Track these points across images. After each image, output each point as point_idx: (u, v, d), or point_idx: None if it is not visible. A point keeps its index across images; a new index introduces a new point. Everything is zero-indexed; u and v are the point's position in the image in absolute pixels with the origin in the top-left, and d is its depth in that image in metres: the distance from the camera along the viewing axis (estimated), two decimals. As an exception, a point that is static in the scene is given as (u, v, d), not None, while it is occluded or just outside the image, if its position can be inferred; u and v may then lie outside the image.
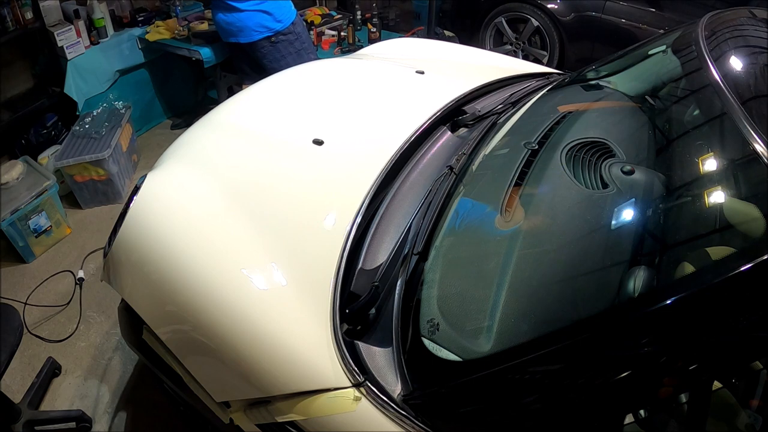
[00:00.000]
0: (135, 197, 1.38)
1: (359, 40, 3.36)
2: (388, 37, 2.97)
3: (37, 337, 2.16)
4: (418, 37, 3.50)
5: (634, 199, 1.14)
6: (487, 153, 1.46)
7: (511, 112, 1.67)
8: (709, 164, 1.04)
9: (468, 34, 4.08)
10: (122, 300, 1.43)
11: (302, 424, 1.04)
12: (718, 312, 0.74)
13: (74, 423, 1.83)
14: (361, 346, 1.09)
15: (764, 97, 1.09)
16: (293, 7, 2.78)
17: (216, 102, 3.00)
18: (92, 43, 3.03)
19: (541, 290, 1.03)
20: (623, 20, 3.42)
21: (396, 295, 1.17)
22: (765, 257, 0.69)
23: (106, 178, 2.77)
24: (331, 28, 3.51)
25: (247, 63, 2.86)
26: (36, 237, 2.51)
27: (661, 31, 3.08)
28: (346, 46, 3.30)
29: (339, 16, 3.64)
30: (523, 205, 1.22)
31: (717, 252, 0.85)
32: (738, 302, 0.72)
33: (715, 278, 0.73)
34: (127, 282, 1.33)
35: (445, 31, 3.96)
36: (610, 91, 1.63)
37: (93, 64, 3.02)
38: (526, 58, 3.82)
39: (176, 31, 3.18)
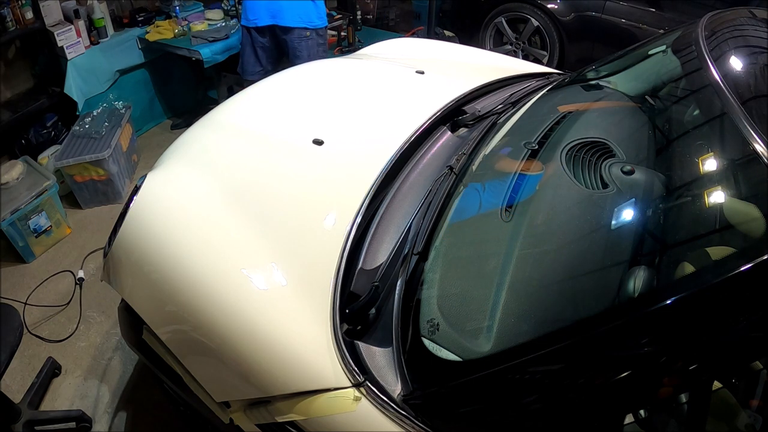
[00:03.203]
0: (135, 197, 1.38)
1: (359, 40, 3.36)
2: (388, 37, 2.97)
3: (37, 337, 2.16)
4: (418, 37, 3.50)
5: (634, 199, 1.14)
6: (487, 153, 1.46)
7: (511, 112, 1.67)
8: (709, 164, 1.04)
9: (468, 34, 4.08)
10: (122, 300, 1.43)
11: (302, 424, 1.04)
12: (718, 312, 0.74)
13: (74, 423, 1.83)
14: (361, 346, 1.09)
15: (764, 97, 1.09)
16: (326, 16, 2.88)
17: (216, 102, 3.00)
18: (92, 43, 3.03)
19: (541, 290, 1.03)
20: (623, 20, 3.42)
21: (396, 295, 1.17)
22: (765, 257, 0.69)
23: (106, 178, 2.77)
24: (331, 28, 3.51)
25: (266, 51, 2.86)
26: (36, 237, 2.51)
27: (661, 31, 3.08)
28: (346, 46, 3.30)
29: (339, 16, 3.64)
30: (522, 205, 1.22)
31: (717, 252, 0.85)
32: (738, 302, 0.72)
33: (715, 278, 0.73)
34: (127, 282, 1.33)
35: (445, 31, 3.97)
36: (610, 91, 1.63)
37: (93, 64, 3.02)
38: (526, 58, 3.82)
39: (176, 31, 3.18)
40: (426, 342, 1.01)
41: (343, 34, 3.36)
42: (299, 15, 2.67)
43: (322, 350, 1.06)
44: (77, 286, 2.38)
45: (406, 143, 1.50)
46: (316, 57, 2.79)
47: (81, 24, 2.90)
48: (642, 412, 0.92)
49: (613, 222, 1.09)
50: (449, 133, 1.65)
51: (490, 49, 3.62)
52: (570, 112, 1.50)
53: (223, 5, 3.41)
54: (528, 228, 1.17)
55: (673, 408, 0.92)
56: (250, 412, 1.13)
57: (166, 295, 1.21)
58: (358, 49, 2.95)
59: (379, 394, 1.00)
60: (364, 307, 1.13)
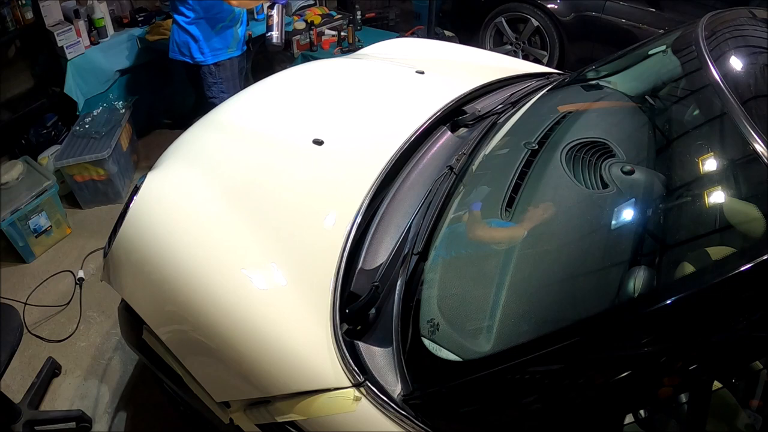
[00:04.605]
0: (135, 197, 1.38)
1: (359, 40, 3.36)
2: (388, 37, 2.97)
3: (37, 337, 2.16)
4: (418, 37, 3.50)
5: (634, 199, 1.14)
6: (487, 153, 1.46)
7: (511, 112, 1.67)
8: (709, 164, 1.05)
9: (468, 34, 4.07)
10: (122, 300, 1.43)
11: (302, 424, 1.04)
12: (718, 312, 0.74)
13: (74, 423, 1.83)
14: (361, 346, 1.09)
15: (764, 97, 1.09)
16: (230, 52, 2.62)
17: (216, 102, 2.98)
18: (92, 43, 3.02)
19: (541, 290, 1.03)
20: (623, 20, 3.42)
21: (396, 295, 1.17)
22: (765, 257, 0.69)
23: (106, 178, 2.77)
24: (331, 28, 3.51)
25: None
26: (36, 237, 2.51)
27: (661, 31, 3.08)
28: (346, 46, 3.30)
29: (339, 16, 3.64)
30: (523, 205, 1.22)
31: (717, 252, 0.85)
32: (738, 302, 0.72)
33: (715, 278, 0.73)
34: (127, 282, 1.33)
35: (445, 31, 3.96)
36: (610, 91, 1.63)
37: (93, 64, 3.01)
38: (526, 58, 3.82)
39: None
40: (426, 342, 1.02)
41: (343, 34, 3.35)
42: (178, 47, 2.58)
43: (322, 350, 1.06)
44: (77, 286, 2.38)
45: (406, 143, 1.50)
46: (215, 93, 2.63)
47: (81, 24, 2.90)
48: (642, 412, 0.92)
49: (613, 222, 1.09)
50: (449, 133, 1.65)
51: (490, 49, 3.62)
52: (570, 112, 1.50)
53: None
54: (528, 228, 1.17)
55: (673, 408, 0.92)
56: (250, 412, 1.13)
57: (166, 295, 1.21)
58: (358, 49, 2.95)
59: (379, 394, 1.00)
60: (364, 307, 1.13)
